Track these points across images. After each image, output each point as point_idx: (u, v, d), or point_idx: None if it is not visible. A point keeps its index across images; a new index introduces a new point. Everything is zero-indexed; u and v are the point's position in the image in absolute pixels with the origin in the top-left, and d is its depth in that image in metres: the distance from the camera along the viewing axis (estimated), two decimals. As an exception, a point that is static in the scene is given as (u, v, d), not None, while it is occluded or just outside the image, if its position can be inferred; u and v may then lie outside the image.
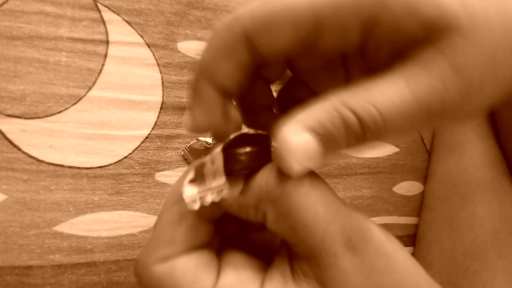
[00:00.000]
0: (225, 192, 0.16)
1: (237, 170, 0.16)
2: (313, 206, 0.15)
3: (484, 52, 0.13)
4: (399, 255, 0.15)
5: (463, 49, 0.13)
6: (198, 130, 0.17)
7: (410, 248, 0.44)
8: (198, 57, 0.16)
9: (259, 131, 0.20)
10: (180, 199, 0.17)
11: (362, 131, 0.14)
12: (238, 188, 0.16)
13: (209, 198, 0.16)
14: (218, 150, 0.17)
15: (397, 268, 0.15)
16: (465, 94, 0.14)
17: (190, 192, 0.16)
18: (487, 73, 0.14)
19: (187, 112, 0.17)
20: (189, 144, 0.35)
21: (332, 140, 0.14)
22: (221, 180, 0.16)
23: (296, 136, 0.14)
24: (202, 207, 0.16)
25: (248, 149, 0.16)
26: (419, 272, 0.16)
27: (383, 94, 0.14)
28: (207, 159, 0.17)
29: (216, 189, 0.16)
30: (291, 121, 0.15)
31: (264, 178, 0.16)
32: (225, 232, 0.20)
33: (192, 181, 0.17)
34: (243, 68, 0.16)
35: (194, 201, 0.16)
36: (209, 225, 0.18)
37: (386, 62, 0.16)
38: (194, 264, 0.16)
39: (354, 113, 0.14)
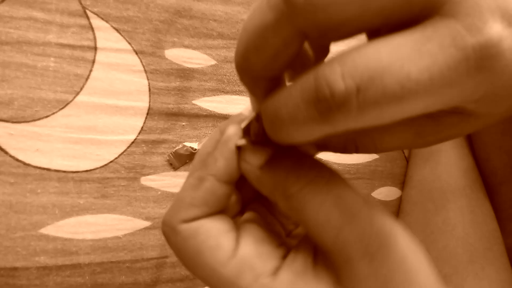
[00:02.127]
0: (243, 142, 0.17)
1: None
2: (326, 208, 0.15)
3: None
4: (422, 269, 0.15)
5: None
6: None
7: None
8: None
9: None
10: (202, 164, 0.17)
11: (319, 99, 0.11)
12: (260, 156, 0.17)
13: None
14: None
15: (416, 283, 0.14)
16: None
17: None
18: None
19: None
20: (174, 149, 0.36)
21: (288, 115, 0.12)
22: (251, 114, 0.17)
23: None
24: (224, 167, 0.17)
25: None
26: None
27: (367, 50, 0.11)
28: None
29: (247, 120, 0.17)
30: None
31: (285, 172, 0.16)
32: (244, 198, 0.20)
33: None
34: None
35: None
36: (227, 188, 0.18)
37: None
38: (216, 230, 0.17)
39: (316, 79, 0.11)
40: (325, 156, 0.43)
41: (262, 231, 0.18)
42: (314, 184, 0.15)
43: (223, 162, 0.17)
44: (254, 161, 0.17)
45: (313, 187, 0.15)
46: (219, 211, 0.18)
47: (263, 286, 0.16)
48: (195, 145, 0.37)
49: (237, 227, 0.18)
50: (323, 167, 0.16)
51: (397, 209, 0.47)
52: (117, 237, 0.34)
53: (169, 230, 0.17)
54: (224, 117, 0.38)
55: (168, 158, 0.36)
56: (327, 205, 0.15)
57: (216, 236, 0.17)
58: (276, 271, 0.16)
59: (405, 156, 0.48)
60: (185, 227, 0.17)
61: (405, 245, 0.15)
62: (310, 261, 0.17)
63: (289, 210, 0.16)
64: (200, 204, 0.17)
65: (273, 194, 0.16)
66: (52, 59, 0.32)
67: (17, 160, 0.31)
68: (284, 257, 0.17)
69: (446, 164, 0.43)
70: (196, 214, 0.17)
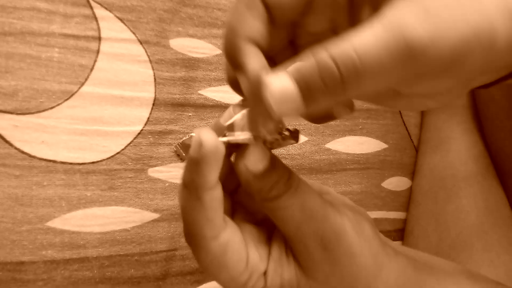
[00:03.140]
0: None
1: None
2: (291, 211, 0.19)
3: None
4: (364, 253, 0.20)
5: None
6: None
7: (398, 242, 0.45)
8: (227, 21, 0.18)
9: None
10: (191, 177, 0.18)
11: (339, 74, 0.15)
12: (261, 162, 0.19)
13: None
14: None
15: (357, 262, 0.20)
16: (434, 34, 0.14)
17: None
18: (456, 14, 0.14)
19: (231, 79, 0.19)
20: (181, 140, 0.36)
21: (311, 86, 0.15)
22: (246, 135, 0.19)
23: (276, 79, 0.15)
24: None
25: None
26: (379, 265, 0.21)
27: (360, 37, 0.15)
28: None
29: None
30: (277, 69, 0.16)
31: (269, 181, 0.19)
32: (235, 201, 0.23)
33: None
34: (268, 26, 0.18)
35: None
36: (221, 189, 0.19)
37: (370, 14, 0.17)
38: (238, 244, 0.20)
39: (332, 57, 0.15)
40: (334, 146, 0.42)
41: (256, 231, 0.22)
42: (286, 193, 0.19)
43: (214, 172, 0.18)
44: (255, 166, 0.19)
45: (285, 195, 0.19)
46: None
47: (261, 282, 0.20)
48: (202, 136, 0.36)
49: (240, 229, 0.21)
50: (294, 177, 0.20)
51: (408, 199, 0.46)
52: (125, 230, 0.33)
53: (198, 249, 0.19)
54: (231, 107, 0.38)
55: (175, 149, 0.35)
56: (293, 208, 0.19)
57: (239, 251, 0.19)
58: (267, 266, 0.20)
59: (414, 146, 0.47)
60: (216, 245, 0.19)
61: (353, 237, 0.20)
62: (284, 249, 0.21)
63: (263, 208, 0.20)
64: (217, 216, 0.19)
65: (255, 195, 0.20)
66: (56, 49, 0.32)
67: (23, 152, 0.31)
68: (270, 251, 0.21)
69: (457, 152, 0.43)
70: (219, 226, 0.19)
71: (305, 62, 0.15)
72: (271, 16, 0.18)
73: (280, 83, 0.15)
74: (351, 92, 0.15)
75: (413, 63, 0.14)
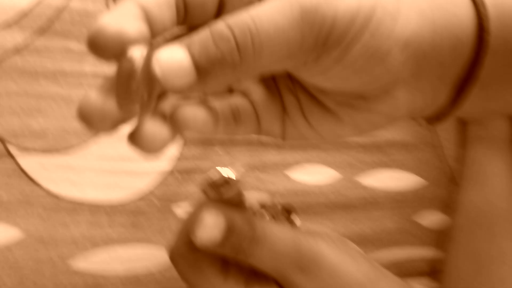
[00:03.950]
0: None
1: None
2: (261, 257, 0.20)
3: None
4: (349, 270, 0.20)
5: None
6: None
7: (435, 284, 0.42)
8: None
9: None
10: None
11: (233, 39, 0.14)
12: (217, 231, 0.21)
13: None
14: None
15: (344, 282, 0.20)
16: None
17: None
18: None
19: None
20: (208, 178, 0.35)
21: (205, 55, 0.14)
22: None
23: (166, 51, 0.14)
24: None
25: None
26: (373, 279, 0.21)
27: (257, 7, 0.15)
28: None
29: None
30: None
31: (232, 247, 0.20)
32: None
33: None
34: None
35: None
36: None
37: None
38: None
39: (227, 25, 0.14)
40: (366, 180, 0.40)
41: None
42: (253, 240, 0.20)
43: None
44: (211, 235, 0.20)
45: (251, 250, 0.20)
46: None
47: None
48: (230, 173, 0.35)
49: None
50: (257, 226, 0.20)
51: (444, 236, 0.43)
52: (150, 271, 0.32)
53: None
54: (259, 143, 0.37)
55: (202, 187, 0.34)
56: (263, 255, 0.20)
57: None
58: None
59: (453, 181, 0.45)
60: None
61: (334, 257, 0.20)
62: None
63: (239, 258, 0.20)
64: None
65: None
66: (87, 89, 0.32)
67: (49, 192, 0.30)
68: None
69: (499, 188, 0.40)
70: None
71: (200, 33, 0.15)
72: None
73: (170, 54, 0.14)
74: (251, 64, 0.15)
75: (308, 27, 0.15)
